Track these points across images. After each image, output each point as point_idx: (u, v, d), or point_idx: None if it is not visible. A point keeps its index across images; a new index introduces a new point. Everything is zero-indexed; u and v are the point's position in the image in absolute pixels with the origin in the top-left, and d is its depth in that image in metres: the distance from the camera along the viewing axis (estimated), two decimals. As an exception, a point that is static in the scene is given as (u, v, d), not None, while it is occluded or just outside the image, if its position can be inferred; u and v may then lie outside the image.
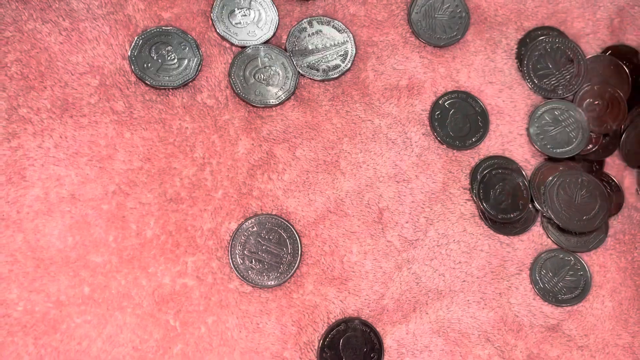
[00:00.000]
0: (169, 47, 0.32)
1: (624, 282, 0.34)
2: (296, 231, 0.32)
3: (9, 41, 0.31)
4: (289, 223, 0.32)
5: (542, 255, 0.34)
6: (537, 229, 0.34)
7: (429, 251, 0.33)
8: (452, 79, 0.35)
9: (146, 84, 0.32)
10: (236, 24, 0.33)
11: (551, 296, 0.33)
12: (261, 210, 0.32)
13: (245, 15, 0.34)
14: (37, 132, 0.30)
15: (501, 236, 0.34)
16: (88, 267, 0.29)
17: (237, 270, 0.31)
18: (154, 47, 0.32)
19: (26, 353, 0.28)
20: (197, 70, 0.32)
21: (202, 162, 0.31)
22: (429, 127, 0.34)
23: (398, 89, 0.35)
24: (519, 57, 0.36)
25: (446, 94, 0.35)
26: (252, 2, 0.34)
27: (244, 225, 0.31)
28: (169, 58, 0.32)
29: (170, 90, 0.32)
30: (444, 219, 0.34)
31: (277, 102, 0.33)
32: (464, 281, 0.33)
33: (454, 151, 0.34)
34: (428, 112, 0.34)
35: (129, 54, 0.32)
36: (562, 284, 0.33)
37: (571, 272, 0.34)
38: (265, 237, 0.31)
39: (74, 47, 0.31)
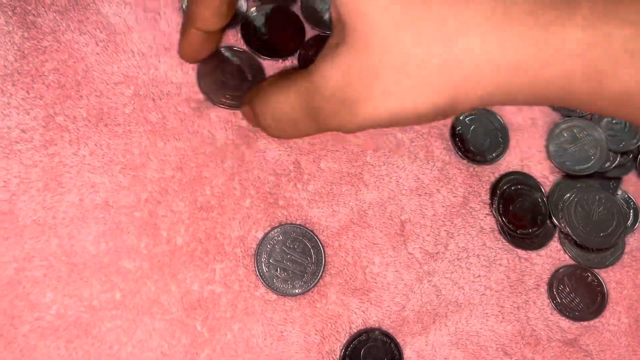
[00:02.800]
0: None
1: (640, 298, 0.35)
2: (320, 241, 0.32)
3: (47, 50, 0.32)
4: (313, 233, 0.32)
5: (560, 270, 0.34)
6: (555, 244, 0.35)
7: (449, 264, 0.34)
8: (474, 96, 0.36)
9: (212, 101, 0.33)
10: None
11: (568, 311, 0.34)
12: (286, 219, 0.32)
13: None
14: (73, 140, 0.31)
15: (520, 251, 0.35)
16: (120, 273, 0.30)
17: (262, 278, 0.31)
18: (219, 67, 0.33)
19: (58, 356, 0.28)
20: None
21: (232, 171, 0.32)
22: (450, 142, 0.35)
23: (421, 104, 0.35)
24: (539, 76, 0.37)
25: (468, 110, 0.35)
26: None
27: (270, 234, 0.32)
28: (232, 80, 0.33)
29: (203, 102, 0.33)
30: (465, 233, 0.34)
31: None
32: (483, 294, 0.34)
33: (475, 166, 0.35)
34: (449, 127, 0.35)
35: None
36: (579, 300, 0.34)
37: (588, 288, 0.34)
38: (290, 247, 0.32)
39: (110, 58, 0.32)
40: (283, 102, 0.24)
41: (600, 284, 0.34)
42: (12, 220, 0.29)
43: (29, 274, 0.29)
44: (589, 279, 0.34)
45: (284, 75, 0.25)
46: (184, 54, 0.31)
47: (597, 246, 0.34)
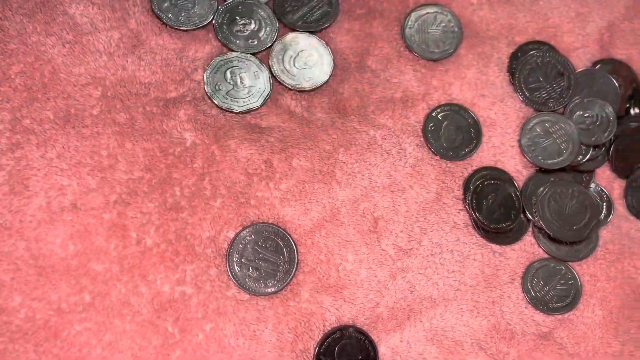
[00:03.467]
0: (244, 73, 0.34)
1: (613, 291, 0.35)
2: (293, 240, 0.32)
3: (13, 53, 0.32)
4: (286, 232, 0.32)
5: (534, 264, 0.34)
6: (528, 238, 0.35)
7: (423, 260, 0.34)
8: (445, 91, 0.36)
9: (213, 102, 0.33)
10: (236, 31, 0.34)
11: (542, 305, 0.34)
12: (258, 218, 0.32)
13: (245, 24, 0.35)
14: (40, 142, 0.31)
15: (494, 245, 0.35)
16: (89, 275, 0.30)
17: (234, 278, 0.31)
18: (229, 70, 0.33)
19: None
20: (264, 101, 0.34)
21: (202, 172, 0.32)
22: (422, 139, 0.35)
23: (392, 101, 0.35)
24: (511, 71, 0.37)
25: (439, 106, 0.35)
26: (254, 12, 0.35)
27: (242, 234, 0.32)
28: (241, 84, 0.33)
29: (172, 102, 0.33)
30: (438, 229, 0.34)
31: (327, 78, 0.34)
32: (458, 290, 0.34)
33: (448, 162, 0.35)
34: (422, 124, 0.35)
35: (207, 72, 0.33)
36: (553, 293, 0.34)
37: (562, 281, 0.34)
38: (262, 246, 0.32)
39: (77, 59, 0.32)
40: None
41: (574, 277, 0.34)
42: (-20, 224, 0.29)
43: (-3, 278, 0.29)
44: (563, 272, 0.34)
45: None
46: None
47: (570, 239, 0.34)
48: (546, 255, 0.35)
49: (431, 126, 0.35)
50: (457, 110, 0.36)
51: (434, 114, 0.35)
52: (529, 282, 0.34)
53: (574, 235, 0.34)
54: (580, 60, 0.38)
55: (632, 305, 0.34)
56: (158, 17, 0.34)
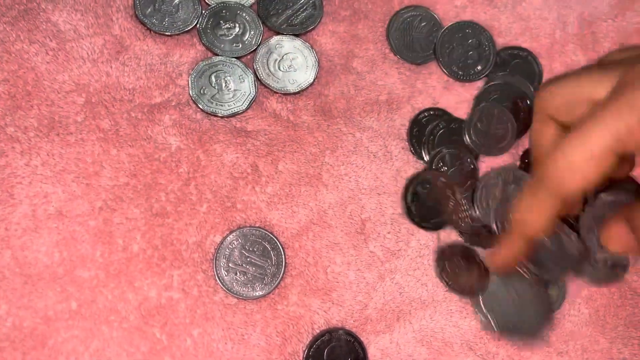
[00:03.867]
0: (229, 77, 0.34)
1: (598, 289, 0.35)
2: (280, 243, 0.32)
3: (-3, 61, 0.32)
4: (273, 235, 0.32)
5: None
6: (515, 237, 0.35)
7: (412, 261, 0.34)
8: (429, 94, 0.36)
9: (198, 106, 0.33)
10: (220, 35, 0.34)
11: (530, 303, 0.34)
12: (245, 222, 0.32)
13: (229, 28, 0.35)
14: (24, 150, 0.31)
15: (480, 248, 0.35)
16: (75, 283, 0.30)
17: (221, 283, 0.31)
18: (214, 75, 0.33)
19: (14, 368, 0.28)
20: (249, 104, 0.34)
21: (187, 177, 0.32)
22: (407, 142, 0.35)
23: (378, 103, 0.36)
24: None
25: (424, 110, 0.36)
26: (238, 16, 0.35)
27: (228, 238, 0.32)
28: (226, 88, 0.33)
29: (156, 107, 0.33)
30: (426, 230, 0.34)
31: (312, 80, 0.35)
32: (446, 290, 0.34)
33: (434, 163, 0.35)
34: (407, 127, 0.35)
35: (192, 76, 0.33)
36: (540, 292, 0.34)
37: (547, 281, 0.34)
38: (249, 249, 0.32)
39: (61, 66, 0.32)
40: None
41: (560, 276, 0.35)
42: (-36, 233, 0.29)
43: (-18, 287, 0.29)
44: (549, 271, 0.35)
45: None
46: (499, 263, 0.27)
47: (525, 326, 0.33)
48: (533, 254, 0.35)
49: (416, 131, 0.35)
50: (441, 115, 0.36)
51: (418, 118, 0.35)
52: (516, 282, 0.34)
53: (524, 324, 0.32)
54: (563, 59, 0.38)
55: (617, 303, 0.35)
56: (142, 23, 0.34)
